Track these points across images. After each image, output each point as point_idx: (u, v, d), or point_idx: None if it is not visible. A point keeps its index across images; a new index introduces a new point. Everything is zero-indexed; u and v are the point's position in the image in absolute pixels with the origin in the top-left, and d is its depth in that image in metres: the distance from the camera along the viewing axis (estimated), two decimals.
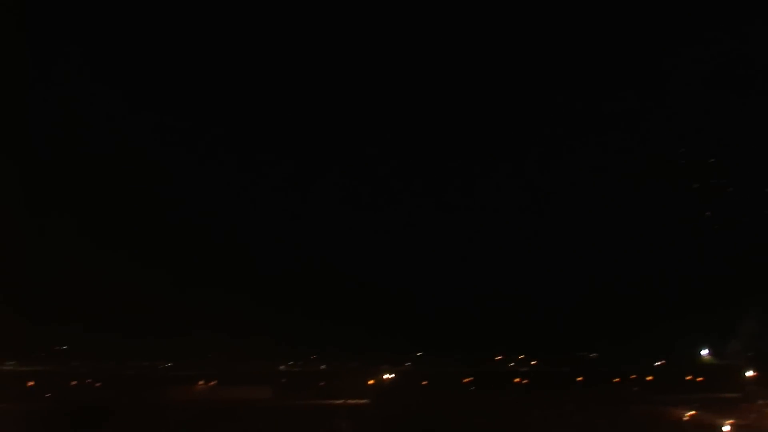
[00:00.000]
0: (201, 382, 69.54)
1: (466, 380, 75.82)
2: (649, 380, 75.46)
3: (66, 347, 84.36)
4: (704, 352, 75.96)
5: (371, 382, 67.88)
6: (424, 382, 74.09)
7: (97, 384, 72.44)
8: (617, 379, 75.04)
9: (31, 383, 69.85)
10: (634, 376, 75.42)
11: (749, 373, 69.68)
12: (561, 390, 72.13)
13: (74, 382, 72.43)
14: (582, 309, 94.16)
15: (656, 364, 78.19)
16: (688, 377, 74.13)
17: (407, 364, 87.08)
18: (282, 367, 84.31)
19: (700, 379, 73.65)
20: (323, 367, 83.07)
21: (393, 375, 70.47)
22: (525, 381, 76.37)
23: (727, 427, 61.24)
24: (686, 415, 63.85)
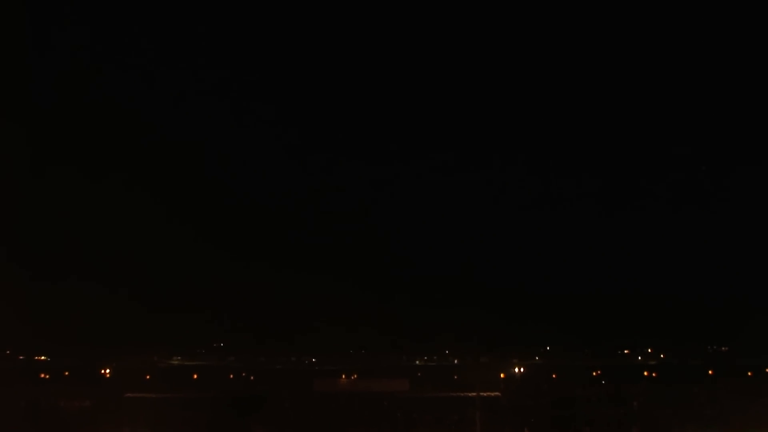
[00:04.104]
0: (343, 375, 74.74)
1: (595, 373, 77.73)
2: None
3: (222, 344, 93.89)
4: None
5: (502, 375, 70.55)
6: (553, 375, 76.50)
7: (252, 377, 79.33)
8: (750, 373, 74.09)
9: (195, 376, 77.77)
10: None
11: None
12: (692, 383, 71.70)
13: (231, 375, 79.94)
14: (713, 302, 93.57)
15: None
16: None
17: (536, 357, 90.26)
18: (418, 362, 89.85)
19: None
20: (456, 361, 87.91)
21: (523, 369, 73.12)
22: (654, 374, 77.13)
23: None
24: None
